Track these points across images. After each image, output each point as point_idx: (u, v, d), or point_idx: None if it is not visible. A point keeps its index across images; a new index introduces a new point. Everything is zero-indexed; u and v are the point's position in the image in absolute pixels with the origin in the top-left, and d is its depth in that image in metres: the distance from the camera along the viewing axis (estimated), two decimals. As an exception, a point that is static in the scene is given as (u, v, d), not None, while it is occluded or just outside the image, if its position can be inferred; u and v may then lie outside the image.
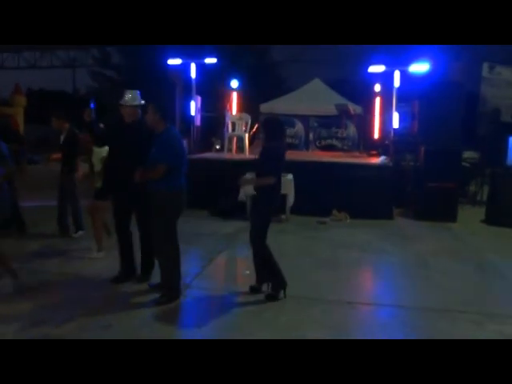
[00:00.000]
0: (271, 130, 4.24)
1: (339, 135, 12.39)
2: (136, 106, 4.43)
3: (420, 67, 8.18)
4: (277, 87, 20.09)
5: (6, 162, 4.20)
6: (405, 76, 8.56)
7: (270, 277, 4.24)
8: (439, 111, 7.76)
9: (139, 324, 3.66)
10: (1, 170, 4.14)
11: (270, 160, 4.10)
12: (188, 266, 4.57)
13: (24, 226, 6.32)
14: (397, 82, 8.48)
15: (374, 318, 3.93)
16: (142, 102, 4.44)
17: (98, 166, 5.20)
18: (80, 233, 6.16)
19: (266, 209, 4.15)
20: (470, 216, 8.21)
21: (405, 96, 8.97)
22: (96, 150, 5.20)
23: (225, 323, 3.73)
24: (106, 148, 4.85)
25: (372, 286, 4.76)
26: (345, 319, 3.89)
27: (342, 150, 12.03)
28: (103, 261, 5.11)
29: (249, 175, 7.61)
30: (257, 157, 4.43)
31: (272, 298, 4.16)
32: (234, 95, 11.12)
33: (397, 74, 8.38)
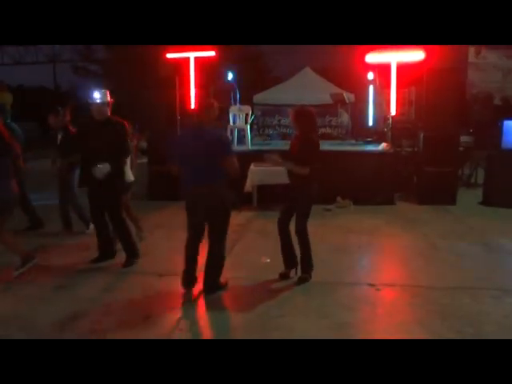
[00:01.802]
0: (308, 122, 4.35)
1: (333, 123, 12.55)
2: (104, 104, 4.84)
3: (415, 55, 8.34)
4: (264, 77, 20.11)
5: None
6: (399, 63, 8.70)
7: (303, 261, 4.41)
8: (436, 97, 7.96)
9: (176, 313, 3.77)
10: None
11: (311, 151, 4.26)
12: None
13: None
14: (393, 70, 8.63)
15: (398, 298, 4.11)
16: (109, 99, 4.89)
17: None
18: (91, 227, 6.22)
19: (312, 197, 4.38)
20: (467, 198, 8.46)
21: (399, 83, 9.12)
22: None
23: (258, 310, 3.86)
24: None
25: (389, 268, 4.94)
26: (371, 301, 4.06)
27: (336, 138, 12.18)
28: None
29: (253, 166, 7.76)
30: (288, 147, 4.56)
31: (304, 280, 4.37)
32: (229, 87, 11.15)
33: (393, 62, 8.53)
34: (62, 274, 4.69)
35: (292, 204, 4.43)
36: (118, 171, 4.89)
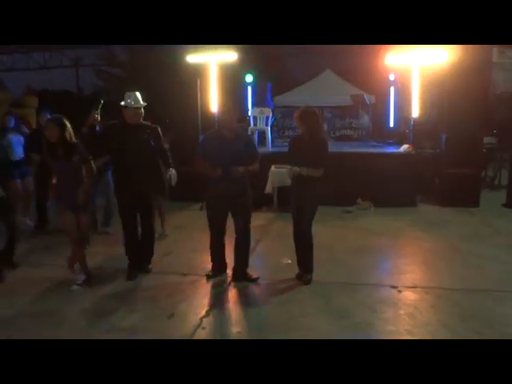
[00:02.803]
0: (313, 122, 4.31)
1: (353, 125, 12.49)
2: (138, 108, 4.59)
3: (436, 55, 8.26)
4: (284, 79, 20.10)
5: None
6: (422, 64, 8.62)
7: (306, 261, 4.48)
8: (458, 98, 7.87)
9: (199, 312, 3.85)
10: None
11: (324, 152, 4.29)
12: (230, 256, 4.73)
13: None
14: (415, 71, 8.57)
15: (420, 300, 4.10)
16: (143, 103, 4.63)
17: None
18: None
19: (319, 197, 4.37)
20: (491, 200, 8.33)
21: (421, 84, 9.04)
22: None
23: (280, 310, 3.91)
24: None
25: (411, 269, 4.92)
26: (393, 302, 4.06)
27: (356, 139, 12.12)
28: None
29: (274, 168, 7.81)
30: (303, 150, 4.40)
31: (310, 281, 4.44)
32: (250, 89, 11.24)
33: (414, 63, 8.46)
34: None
35: (301, 206, 4.40)
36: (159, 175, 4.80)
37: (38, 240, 6.11)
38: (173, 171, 4.66)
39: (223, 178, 4.21)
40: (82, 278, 4.47)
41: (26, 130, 6.85)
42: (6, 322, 3.68)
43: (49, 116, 5.68)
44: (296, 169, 4.23)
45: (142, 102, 4.62)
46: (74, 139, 4.32)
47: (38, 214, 6.64)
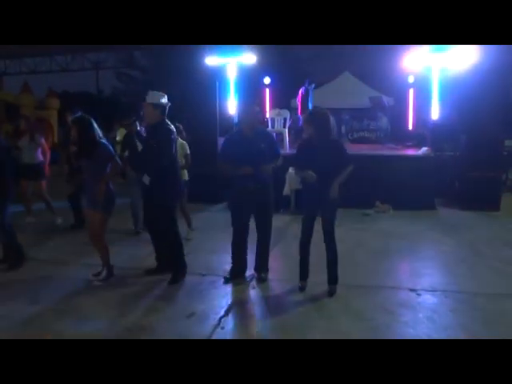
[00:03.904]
0: (324, 124, 4.09)
1: (371, 127, 12.44)
2: (152, 105, 4.39)
3: (456, 57, 8.17)
4: (302, 82, 20.08)
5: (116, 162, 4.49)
6: (442, 66, 8.56)
7: (334, 270, 4.33)
8: (479, 100, 7.79)
9: (218, 312, 3.88)
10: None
11: (346, 154, 4.24)
12: (248, 258, 4.74)
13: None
14: (434, 73, 8.51)
15: (441, 304, 4.06)
16: (163, 101, 4.44)
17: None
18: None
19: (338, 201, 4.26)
20: (511, 204, 8.21)
21: (441, 86, 8.97)
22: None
23: (298, 312, 3.91)
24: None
25: (430, 273, 4.87)
26: (412, 305, 4.03)
27: (374, 142, 12.07)
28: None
29: (291, 170, 7.81)
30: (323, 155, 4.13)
31: (335, 292, 4.27)
32: (267, 92, 11.30)
33: (434, 64, 8.40)
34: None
35: (317, 211, 4.26)
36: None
37: (67, 239, 6.24)
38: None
39: (248, 177, 4.26)
40: (103, 274, 4.57)
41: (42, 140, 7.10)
42: (30, 319, 3.76)
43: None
44: (312, 174, 4.00)
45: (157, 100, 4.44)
46: (96, 138, 4.36)
47: (73, 213, 6.79)
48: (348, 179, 4.18)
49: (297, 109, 11.16)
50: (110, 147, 4.54)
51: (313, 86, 11.20)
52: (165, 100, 4.50)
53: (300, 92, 11.16)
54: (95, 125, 4.41)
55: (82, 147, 4.38)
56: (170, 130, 4.47)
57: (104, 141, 4.47)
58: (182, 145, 6.04)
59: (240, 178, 4.37)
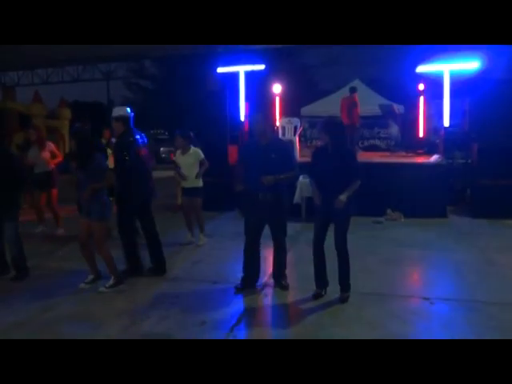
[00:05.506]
0: (340, 134, 4.16)
1: (382, 135, 12.41)
2: (115, 119, 4.84)
3: (469, 65, 8.17)
4: (312, 90, 20.19)
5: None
6: (453, 73, 8.54)
7: (345, 279, 4.31)
8: (491, 107, 7.75)
9: (230, 320, 3.87)
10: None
11: (357, 163, 4.23)
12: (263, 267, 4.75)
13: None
14: (446, 80, 8.48)
15: (455, 313, 4.01)
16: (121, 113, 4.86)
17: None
18: None
19: (351, 211, 4.23)
20: (525, 212, 8.10)
21: (453, 94, 8.94)
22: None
23: (310, 320, 3.89)
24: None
25: (443, 282, 4.83)
26: (425, 314, 4.00)
27: (385, 149, 12.03)
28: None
29: (302, 178, 7.80)
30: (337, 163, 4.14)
31: (347, 299, 4.27)
32: (277, 100, 11.32)
33: (446, 71, 8.38)
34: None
35: (329, 220, 4.24)
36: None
37: (75, 248, 6.24)
38: None
39: (258, 186, 4.24)
40: (111, 281, 4.60)
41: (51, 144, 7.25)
42: (42, 325, 3.78)
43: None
44: (319, 196, 4.20)
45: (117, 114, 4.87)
46: (91, 151, 4.45)
47: None
48: (357, 189, 4.17)
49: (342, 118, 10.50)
50: (105, 161, 4.67)
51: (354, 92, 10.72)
52: (124, 112, 4.89)
53: (342, 102, 10.78)
54: (93, 137, 4.59)
55: (77, 160, 4.50)
56: (130, 141, 4.84)
57: (99, 154, 4.60)
58: (195, 152, 6.10)
59: (249, 186, 4.39)
